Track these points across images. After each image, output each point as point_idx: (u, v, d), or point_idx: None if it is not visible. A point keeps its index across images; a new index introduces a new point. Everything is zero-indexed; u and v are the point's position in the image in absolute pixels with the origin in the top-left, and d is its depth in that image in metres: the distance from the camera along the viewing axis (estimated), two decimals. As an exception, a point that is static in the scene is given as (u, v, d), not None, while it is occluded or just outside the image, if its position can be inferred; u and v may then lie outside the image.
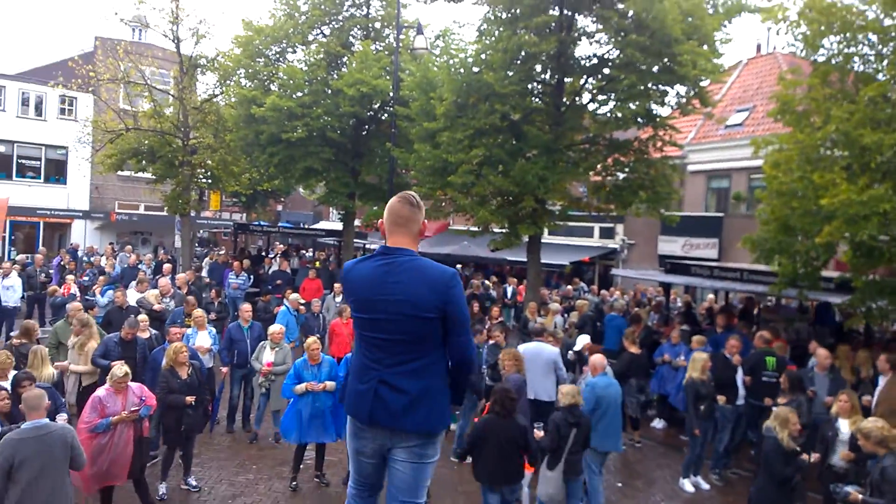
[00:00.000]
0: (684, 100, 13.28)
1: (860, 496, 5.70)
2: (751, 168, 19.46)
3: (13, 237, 29.29)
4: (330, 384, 7.71)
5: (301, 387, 7.57)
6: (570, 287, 18.93)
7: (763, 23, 10.80)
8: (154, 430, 7.69)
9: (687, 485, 8.62)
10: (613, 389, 7.37)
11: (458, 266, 24.25)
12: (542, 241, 25.25)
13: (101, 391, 6.47)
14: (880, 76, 9.25)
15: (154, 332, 9.48)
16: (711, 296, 19.65)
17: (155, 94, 20.97)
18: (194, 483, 7.73)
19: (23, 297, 14.91)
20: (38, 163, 30.33)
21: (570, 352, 10.31)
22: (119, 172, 23.86)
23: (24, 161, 29.92)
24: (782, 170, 9.27)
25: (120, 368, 6.51)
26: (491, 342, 9.49)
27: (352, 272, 3.12)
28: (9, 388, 6.21)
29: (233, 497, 7.63)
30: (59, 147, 30.02)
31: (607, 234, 26.18)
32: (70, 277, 14.17)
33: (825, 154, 9.13)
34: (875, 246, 8.46)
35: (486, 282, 19.65)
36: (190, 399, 7.34)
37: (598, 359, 7.53)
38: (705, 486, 8.68)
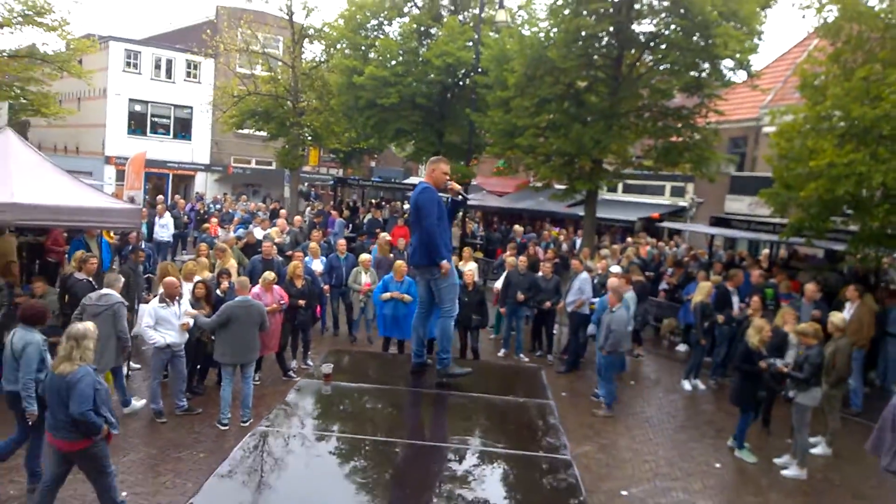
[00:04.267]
0: (732, 72, 15.00)
1: (785, 368, 7.90)
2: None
3: (147, 186, 33.77)
4: (408, 297, 10.41)
5: (387, 294, 10.32)
6: (630, 239, 20.90)
7: (794, 7, 12.17)
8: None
9: (686, 384, 11.00)
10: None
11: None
12: (615, 198, 27.12)
13: (255, 289, 9.46)
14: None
15: (279, 258, 12.50)
16: (766, 250, 21.07)
17: (270, 61, 24.15)
18: (311, 363, 10.79)
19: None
20: (168, 121, 34.58)
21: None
22: (236, 131, 27.48)
23: (156, 119, 34.22)
24: (785, 137, 11.10)
25: (269, 273, 9.52)
26: (539, 273, 12.07)
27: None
28: (206, 280, 9.36)
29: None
30: (185, 107, 34.12)
31: (678, 192, 27.59)
32: (214, 220, 17.58)
33: (824, 124, 10.86)
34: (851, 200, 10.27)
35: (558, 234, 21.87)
36: (301, 302, 10.30)
37: (612, 281, 9.95)
38: (702, 387, 10.99)
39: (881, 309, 11.26)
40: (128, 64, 32.94)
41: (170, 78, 34.15)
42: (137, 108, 33.56)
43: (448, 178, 5.34)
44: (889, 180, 9.58)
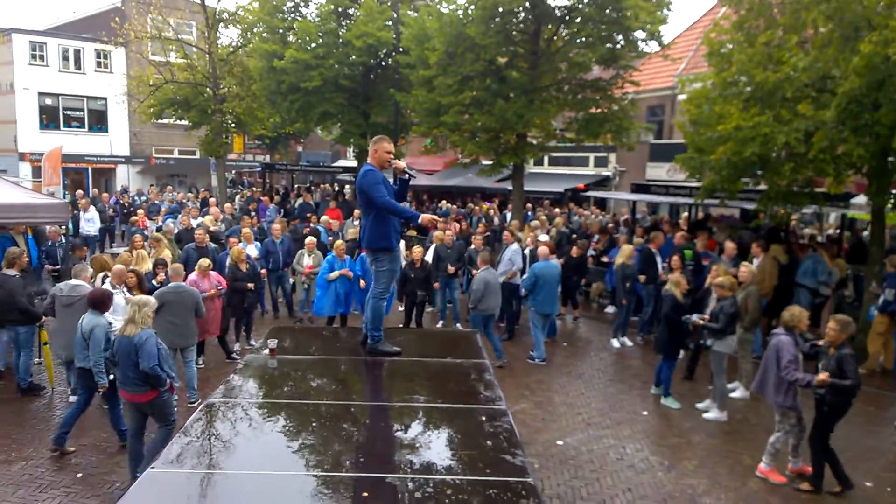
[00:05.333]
0: (645, 43, 15.63)
1: (701, 321, 8.52)
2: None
3: (65, 182, 32.40)
4: (350, 273, 10.62)
5: (335, 273, 10.50)
6: (557, 210, 21.57)
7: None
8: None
9: (615, 342, 11.66)
10: (549, 270, 10.27)
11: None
12: (542, 171, 27.81)
13: (192, 276, 9.45)
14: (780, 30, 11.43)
15: (212, 245, 12.43)
16: (686, 213, 22.12)
17: (185, 47, 23.50)
18: (255, 343, 10.79)
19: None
20: (82, 113, 33.22)
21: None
22: (155, 120, 26.73)
23: (69, 112, 32.82)
24: (694, 104, 11.75)
25: (204, 260, 9.52)
26: (472, 246, 12.44)
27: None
28: (140, 271, 9.26)
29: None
30: (99, 98, 32.82)
31: (602, 162, 28.52)
32: (140, 212, 17.18)
33: (730, 90, 11.52)
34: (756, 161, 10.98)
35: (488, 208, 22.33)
36: (250, 285, 10.39)
37: (541, 249, 10.40)
38: (629, 343, 11.66)
39: (790, 260, 12.16)
40: (34, 56, 31.47)
41: (79, 69, 32.76)
42: (48, 101, 32.19)
43: (391, 156, 5.37)
44: (792, 140, 10.24)
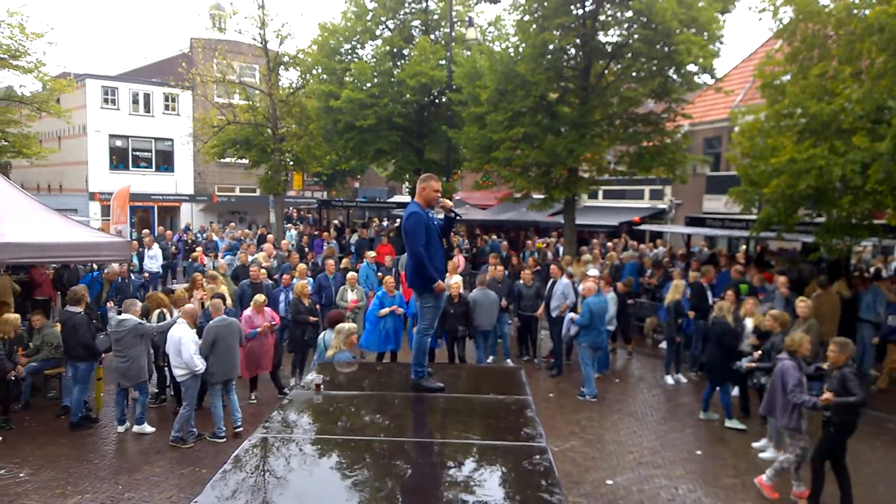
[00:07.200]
0: (696, 77, 15.51)
1: (752, 364, 8.32)
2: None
3: (132, 220, 33.89)
4: (399, 310, 10.77)
5: (386, 310, 10.67)
6: (610, 244, 21.36)
7: (751, 10, 12.69)
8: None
9: (669, 379, 11.39)
10: (602, 306, 10.15)
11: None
12: (597, 204, 27.68)
13: (247, 311, 9.76)
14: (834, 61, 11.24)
15: (268, 281, 12.81)
16: (744, 246, 21.59)
17: (247, 89, 24.55)
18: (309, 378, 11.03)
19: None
20: (150, 154, 34.80)
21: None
22: (218, 160, 27.84)
23: (137, 153, 34.43)
24: (747, 136, 11.58)
25: (259, 296, 9.82)
26: (520, 281, 12.45)
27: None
28: (197, 304, 9.65)
29: (335, 387, 10.93)
30: (166, 139, 34.43)
31: (657, 195, 28.19)
32: (199, 249, 17.88)
33: (784, 122, 11.33)
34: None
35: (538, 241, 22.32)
36: (313, 318, 10.68)
37: (589, 284, 10.33)
38: (684, 380, 11.38)
39: (851, 295, 11.74)
40: (106, 100, 33.19)
41: (148, 112, 34.41)
42: (118, 143, 33.81)
43: (439, 195, 5.40)
44: (848, 172, 10.00)
